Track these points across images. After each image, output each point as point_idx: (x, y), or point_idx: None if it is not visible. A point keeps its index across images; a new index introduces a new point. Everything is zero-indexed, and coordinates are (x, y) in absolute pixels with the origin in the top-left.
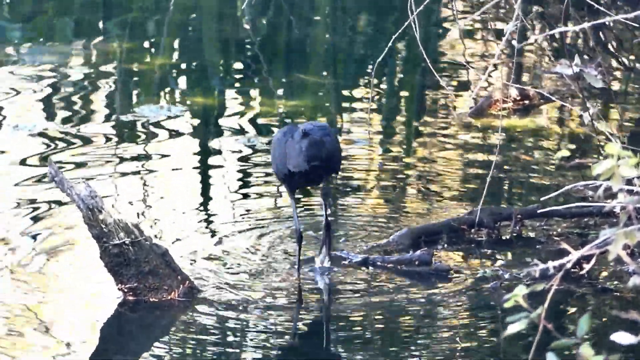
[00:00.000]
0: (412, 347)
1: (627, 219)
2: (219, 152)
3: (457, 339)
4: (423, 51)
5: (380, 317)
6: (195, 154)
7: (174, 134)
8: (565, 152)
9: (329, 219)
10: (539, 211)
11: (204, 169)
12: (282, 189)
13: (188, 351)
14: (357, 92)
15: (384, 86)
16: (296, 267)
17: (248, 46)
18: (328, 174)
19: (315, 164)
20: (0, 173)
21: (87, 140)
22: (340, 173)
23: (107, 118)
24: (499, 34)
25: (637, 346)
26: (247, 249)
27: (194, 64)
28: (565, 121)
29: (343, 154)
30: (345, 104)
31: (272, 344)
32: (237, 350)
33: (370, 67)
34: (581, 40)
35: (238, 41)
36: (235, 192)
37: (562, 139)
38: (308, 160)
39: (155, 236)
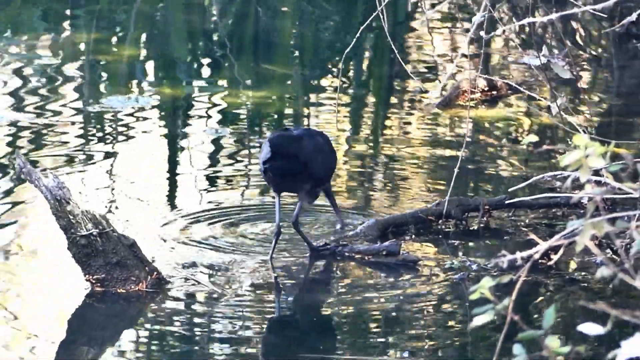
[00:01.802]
0: (380, 338)
1: (594, 209)
2: (186, 142)
3: (425, 329)
4: (391, 42)
5: (348, 308)
6: (163, 144)
7: (142, 124)
8: (533, 137)
9: (297, 218)
10: (506, 202)
11: (172, 160)
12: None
13: (155, 342)
14: (325, 83)
15: (351, 77)
16: (269, 257)
17: (215, 37)
18: (305, 178)
19: (280, 156)
20: None
21: (54, 131)
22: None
23: (75, 109)
24: (467, 26)
25: (604, 337)
26: (216, 239)
27: (162, 54)
28: (533, 112)
29: None
30: (312, 95)
31: (241, 335)
32: (205, 342)
33: (337, 58)
34: (549, 31)
35: (205, 32)
36: (204, 182)
37: (530, 130)
38: (272, 148)
39: (126, 223)
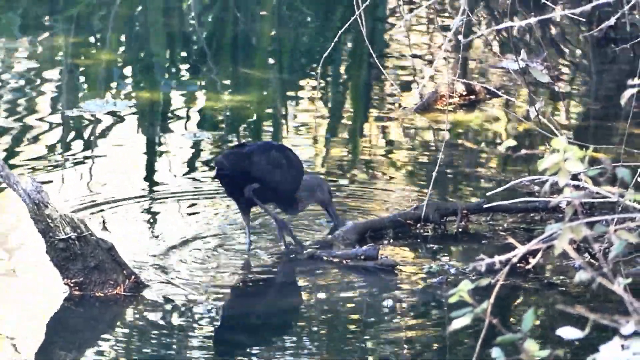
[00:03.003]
0: (358, 342)
1: (573, 213)
2: (164, 146)
3: (403, 333)
4: (369, 46)
5: (326, 312)
6: (141, 148)
7: (120, 128)
8: (511, 142)
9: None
10: (484, 206)
11: (150, 164)
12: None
13: (133, 345)
14: (303, 88)
15: (330, 81)
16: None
17: (194, 41)
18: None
19: (225, 176)
20: None
21: (32, 135)
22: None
23: (53, 113)
24: (445, 29)
25: (582, 341)
26: (194, 243)
27: (140, 58)
28: (512, 116)
29: None
30: (290, 100)
31: (218, 338)
32: (183, 345)
33: (316, 62)
34: (527, 35)
35: (184, 36)
36: (182, 186)
37: (509, 134)
38: (216, 169)
39: (104, 228)
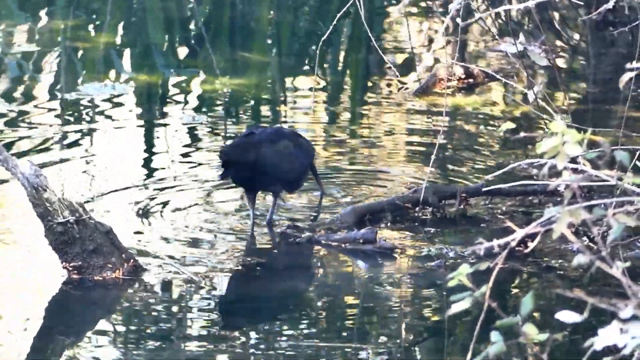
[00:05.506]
0: (357, 325)
1: (571, 197)
2: (163, 130)
3: (402, 317)
4: (368, 29)
5: (325, 295)
6: (139, 132)
7: (119, 111)
8: (510, 125)
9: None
10: (483, 189)
11: (148, 147)
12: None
13: (132, 329)
14: (302, 70)
15: (328, 64)
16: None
17: (192, 24)
18: (271, 180)
19: (233, 167)
20: None
21: (31, 119)
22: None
23: (52, 96)
24: (444, 13)
25: (581, 325)
26: (193, 226)
27: (139, 42)
28: (510, 99)
29: None
30: (289, 83)
31: (217, 321)
32: (182, 328)
33: (315, 45)
34: (526, 18)
35: (182, 19)
36: (180, 169)
37: (507, 117)
38: (223, 159)
39: (103, 210)
